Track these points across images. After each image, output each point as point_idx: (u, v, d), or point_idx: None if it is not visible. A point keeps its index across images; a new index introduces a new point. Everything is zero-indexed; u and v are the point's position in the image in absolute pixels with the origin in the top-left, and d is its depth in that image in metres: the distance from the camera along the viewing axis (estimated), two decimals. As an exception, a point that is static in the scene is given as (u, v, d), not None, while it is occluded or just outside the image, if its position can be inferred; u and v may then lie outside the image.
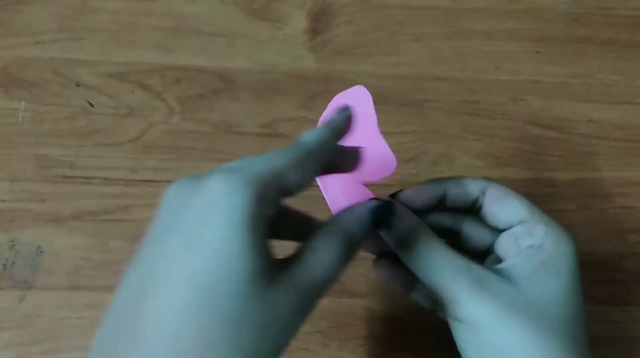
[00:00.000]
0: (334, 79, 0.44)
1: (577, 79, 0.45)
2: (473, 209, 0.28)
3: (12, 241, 0.37)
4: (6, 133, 0.41)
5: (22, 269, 0.36)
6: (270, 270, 0.19)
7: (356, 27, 0.47)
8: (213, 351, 0.18)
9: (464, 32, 0.47)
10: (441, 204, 0.28)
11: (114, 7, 0.46)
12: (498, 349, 0.23)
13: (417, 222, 0.26)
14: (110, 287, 0.36)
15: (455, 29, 0.47)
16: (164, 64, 0.44)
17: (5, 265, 0.37)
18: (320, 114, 0.28)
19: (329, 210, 0.29)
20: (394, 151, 0.26)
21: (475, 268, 0.24)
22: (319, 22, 0.47)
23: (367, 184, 0.28)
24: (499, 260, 0.27)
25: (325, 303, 0.36)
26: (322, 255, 0.21)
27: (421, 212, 0.27)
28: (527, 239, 0.25)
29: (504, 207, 0.26)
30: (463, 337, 0.25)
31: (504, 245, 0.27)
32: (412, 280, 0.28)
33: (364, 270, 0.36)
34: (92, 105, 0.42)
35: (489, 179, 0.27)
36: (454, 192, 0.27)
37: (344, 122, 0.24)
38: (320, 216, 0.27)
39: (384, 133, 0.25)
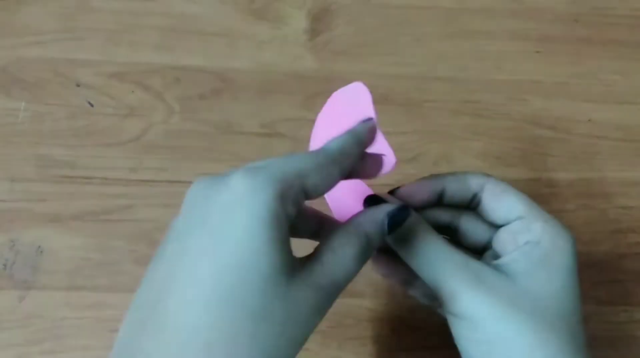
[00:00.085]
0: (334, 79, 0.44)
1: (577, 79, 0.45)
2: (471, 205, 0.28)
3: (12, 241, 0.37)
4: (6, 133, 0.41)
5: (22, 269, 0.36)
6: (292, 268, 0.20)
7: (356, 27, 0.47)
8: (236, 345, 0.18)
9: (464, 32, 0.47)
10: (439, 200, 0.28)
11: (114, 7, 0.46)
12: (496, 344, 0.23)
13: (416, 218, 0.26)
14: (110, 287, 0.36)
15: (455, 29, 0.47)
16: (164, 64, 0.44)
17: (5, 265, 0.37)
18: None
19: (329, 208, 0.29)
20: (393, 150, 0.26)
21: (474, 263, 0.24)
22: (319, 22, 0.47)
23: (367, 183, 0.28)
24: (496, 256, 0.27)
25: (325, 303, 0.36)
26: (340, 255, 0.22)
27: (419, 208, 0.27)
28: (525, 235, 0.25)
29: (502, 203, 0.26)
30: (461, 332, 0.25)
31: (502, 241, 0.27)
32: (410, 277, 0.28)
33: (363, 270, 0.36)
34: (92, 105, 0.42)
35: (487, 174, 0.27)
36: (452, 188, 0.27)
37: (367, 133, 0.24)
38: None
39: (384, 133, 0.25)
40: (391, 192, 0.27)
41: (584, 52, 0.47)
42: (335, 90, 0.27)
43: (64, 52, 0.44)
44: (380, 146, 0.25)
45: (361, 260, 0.22)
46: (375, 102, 0.26)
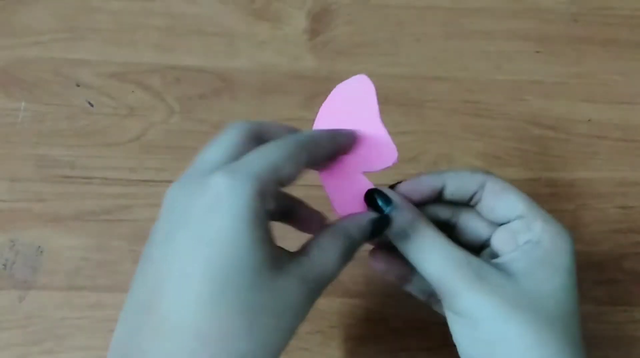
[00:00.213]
0: (334, 79, 0.43)
1: (577, 79, 0.45)
2: (471, 202, 0.28)
3: (12, 241, 0.37)
4: (6, 133, 0.41)
5: (22, 269, 0.36)
6: (278, 261, 0.21)
7: (356, 27, 0.47)
8: (234, 339, 0.19)
9: (464, 32, 0.47)
10: (439, 197, 0.28)
11: (114, 7, 0.46)
12: (496, 343, 0.23)
13: (417, 214, 0.26)
14: (110, 287, 0.36)
15: (455, 29, 0.47)
16: (164, 64, 0.44)
17: (5, 265, 0.37)
18: (320, 114, 0.28)
19: (329, 204, 0.29)
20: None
21: (475, 261, 0.24)
22: (319, 22, 0.47)
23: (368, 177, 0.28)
24: (494, 254, 0.27)
25: (325, 303, 0.36)
26: (327, 252, 0.23)
27: (419, 204, 0.27)
28: (525, 234, 0.25)
29: (502, 201, 0.26)
30: (461, 330, 0.25)
31: (501, 240, 0.27)
32: (407, 272, 0.28)
33: (364, 270, 0.36)
34: (92, 105, 0.42)
35: (488, 172, 0.27)
36: (453, 185, 0.27)
37: (346, 135, 0.25)
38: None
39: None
40: (391, 187, 0.27)
41: (584, 52, 0.47)
42: (335, 90, 0.27)
43: (64, 52, 0.44)
44: (382, 138, 0.25)
45: (344, 259, 0.23)
46: (376, 101, 0.26)
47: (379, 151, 0.25)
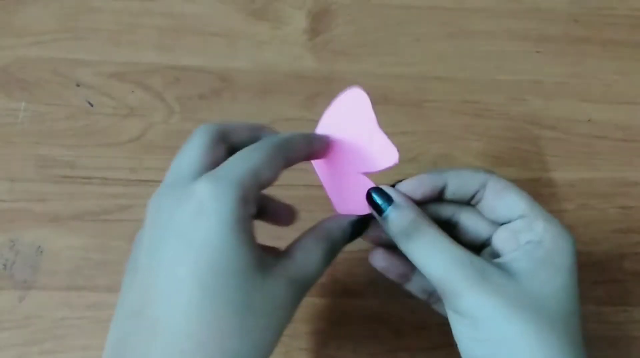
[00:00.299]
0: (334, 79, 0.44)
1: (577, 79, 0.45)
2: (472, 201, 0.28)
3: (12, 241, 0.37)
4: (6, 133, 0.41)
5: (22, 269, 0.36)
6: (264, 263, 0.22)
7: (356, 27, 0.47)
8: (227, 339, 0.20)
9: (464, 32, 0.47)
10: (440, 196, 0.28)
11: (114, 7, 0.46)
12: (499, 343, 0.23)
13: (418, 212, 0.26)
14: (110, 287, 0.36)
15: (455, 29, 0.47)
16: (164, 64, 0.44)
17: (5, 265, 0.37)
18: (320, 115, 0.28)
19: (329, 204, 0.29)
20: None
21: (478, 261, 0.24)
22: (319, 22, 0.47)
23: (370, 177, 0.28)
24: (494, 254, 0.27)
25: (325, 303, 0.36)
26: (309, 254, 0.24)
27: (420, 203, 0.27)
28: (527, 234, 0.25)
29: (504, 200, 0.26)
30: (463, 330, 0.25)
31: (502, 239, 0.27)
32: (407, 271, 0.28)
33: (364, 270, 0.36)
34: (92, 105, 0.42)
35: (490, 171, 0.27)
36: (454, 184, 0.27)
37: (320, 139, 0.27)
38: (321, 216, 0.27)
39: (384, 132, 0.25)
40: (393, 185, 0.27)
41: (583, 52, 0.47)
42: (335, 89, 0.27)
43: (64, 52, 0.44)
44: (381, 142, 0.25)
45: (327, 260, 0.25)
46: (375, 102, 0.26)
47: (379, 152, 0.26)
